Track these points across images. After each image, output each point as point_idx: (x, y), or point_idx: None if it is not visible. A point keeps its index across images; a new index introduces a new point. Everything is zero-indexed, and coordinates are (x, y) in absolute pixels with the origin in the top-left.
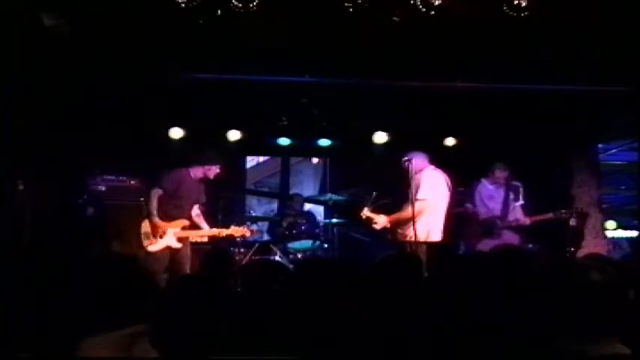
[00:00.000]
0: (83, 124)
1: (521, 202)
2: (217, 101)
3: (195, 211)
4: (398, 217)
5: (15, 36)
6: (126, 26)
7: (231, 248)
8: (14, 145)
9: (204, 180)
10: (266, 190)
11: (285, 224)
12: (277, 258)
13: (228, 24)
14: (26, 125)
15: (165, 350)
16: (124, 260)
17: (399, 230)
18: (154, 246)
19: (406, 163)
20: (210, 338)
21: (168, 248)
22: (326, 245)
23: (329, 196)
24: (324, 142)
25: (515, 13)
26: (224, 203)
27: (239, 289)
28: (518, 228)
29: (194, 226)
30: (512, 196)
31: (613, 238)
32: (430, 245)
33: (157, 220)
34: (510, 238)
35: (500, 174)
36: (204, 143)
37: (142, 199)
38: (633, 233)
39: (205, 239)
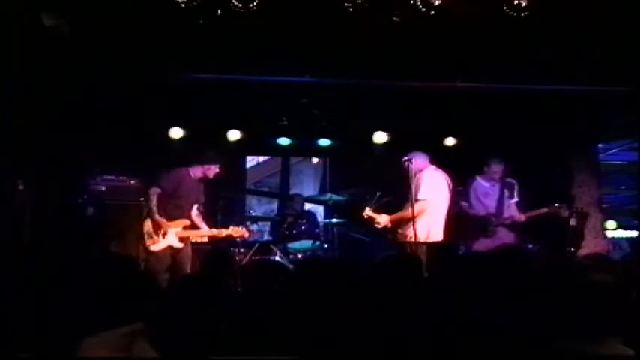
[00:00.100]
0: (83, 124)
1: (516, 199)
2: (217, 101)
3: (194, 211)
4: (399, 217)
5: (15, 36)
6: (126, 26)
7: (231, 248)
8: (14, 145)
9: (204, 180)
10: (266, 190)
11: (285, 224)
12: (277, 258)
13: (228, 24)
14: (26, 125)
15: (165, 350)
16: (123, 260)
17: (400, 230)
18: (156, 245)
19: (406, 163)
20: (210, 338)
21: (170, 248)
22: (326, 245)
23: (329, 196)
24: (324, 142)
25: (515, 13)
26: (224, 203)
27: (239, 289)
28: (513, 225)
29: (194, 227)
30: (507, 193)
31: (613, 238)
32: (430, 245)
33: (158, 218)
34: (506, 235)
35: (496, 168)
36: (204, 143)
37: (142, 199)
38: (633, 233)
39: (205, 239)
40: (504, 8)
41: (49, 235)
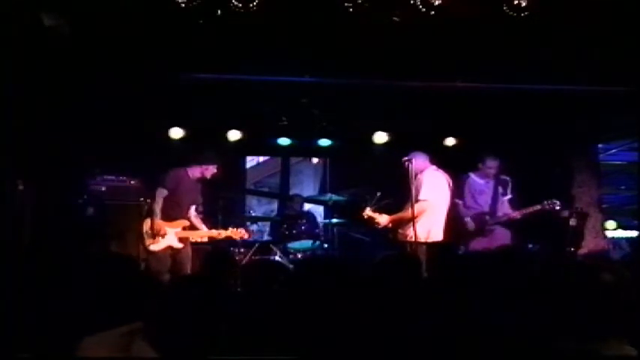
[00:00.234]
0: (83, 124)
1: (509, 196)
2: (217, 101)
3: (192, 212)
4: (399, 217)
5: (15, 36)
6: (126, 26)
7: (231, 248)
8: (14, 145)
9: (202, 180)
10: (266, 190)
11: (285, 224)
12: (277, 258)
13: (228, 24)
14: (26, 125)
15: (164, 350)
16: (123, 260)
17: (400, 230)
18: (156, 245)
19: (406, 163)
20: (210, 338)
21: (170, 248)
22: (326, 245)
23: (329, 196)
24: (324, 142)
25: (515, 13)
26: (224, 203)
27: (239, 289)
28: (509, 224)
29: (193, 227)
30: (501, 190)
31: (613, 238)
32: (430, 245)
33: (159, 219)
34: (502, 234)
35: (492, 163)
36: (204, 143)
37: (142, 199)
38: (633, 233)
39: (205, 239)
40: (504, 8)
41: (49, 235)
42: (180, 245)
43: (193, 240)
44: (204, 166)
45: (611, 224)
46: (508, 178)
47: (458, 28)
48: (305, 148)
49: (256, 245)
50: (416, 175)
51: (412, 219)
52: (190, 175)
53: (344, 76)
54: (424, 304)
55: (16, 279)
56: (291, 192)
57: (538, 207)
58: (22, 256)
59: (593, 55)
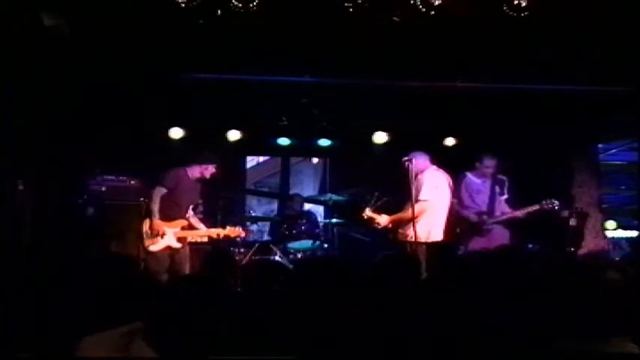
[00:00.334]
0: (83, 124)
1: (506, 196)
2: (217, 101)
3: (190, 211)
4: (399, 217)
5: (15, 36)
6: (126, 26)
7: (231, 248)
8: (14, 145)
9: (201, 180)
10: (266, 190)
11: (285, 224)
12: (277, 258)
13: (228, 24)
14: (26, 125)
15: (164, 350)
16: (123, 260)
17: (400, 230)
18: (155, 246)
19: (406, 163)
20: (210, 338)
21: (169, 248)
22: (326, 245)
23: (329, 196)
24: (324, 142)
25: (515, 13)
26: (224, 203)
27: (239, 289)
28: (508, 224)
29: (191, 227)
30: (498, 189)
31: (613, 238)
32: (430, 245)
33: (157, 219)
34: (501, 234)
35: (489, 162)
36: (204, 143)
37: (142, 199)
38: (633, 233)
39: (205, 239)
40: (504, 8)
41: (49, 235)
42: (178, 245)
43: (193, 240)
44: (203, 166)
45: (611, 224)
46: (505, 178)
47: (458, 28)
48: (305, 148)
49: (256, 245)
50: (416, 175)
51: (412, 219)
52: (190, 175)
53: (344, 76)
54: (424, 304)
55: (16, 279)
56: (291, 192)
57: (536, 207)
58: (22, 256)
59: (593, 55)
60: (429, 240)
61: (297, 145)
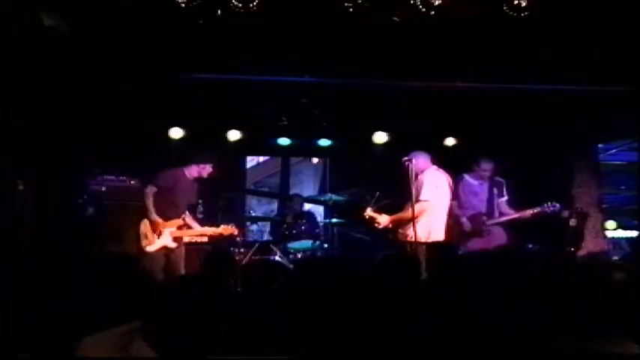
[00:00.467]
0: (83, 124)
1: (505, 197)
2: (217, 101)
3: (185, 212)
4: (400, 217)
5: (15, 36)
6: (126, 26)
7: (231, 248)
8: (14, 145)
9: (199, 179)
10: (266, 190)
11: (285, 224)
12: (277, 258)
13: (228, 24)
14: (26, 125)
15: (164, 350)
16: (123, 260)
17: (400, 230)
18: (152, 246)
19: (406, 163)
20: (210, 338)
21: (165, 248)
22: (326, 245)
23: (329, 196)
24: (324, 142)
25: (515, 13)
26: (224, 203)
27: (239, 289)
28: (508, 225)
29: (186, 226)
30: (496, 191)
31: (613, 238)
32: (431, 245)
33: (156, 218)
34: (500, 235)
35: (486, 166)
36: (204, 143)
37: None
38: (633, 233)
39: (202, 239)
40: (504, 8)
41: (49, 235)
42: (174, 245)
43: (190, 240)
44: (201, 166)
45: (611, 224)
46: (502, 180)
47: (458, 28)
48: (305, 148)
49: (256, 245)
50: (417, 175)
51: (412, 219)
52: (188, 175)
53: (344, 76)
54: (424, 304)
55: (16, 279)
56: (291, 192)
57: (538, 209)
58: (22, 256)
59: (593, 55)
60: (429, 240)
61: (297, 145)
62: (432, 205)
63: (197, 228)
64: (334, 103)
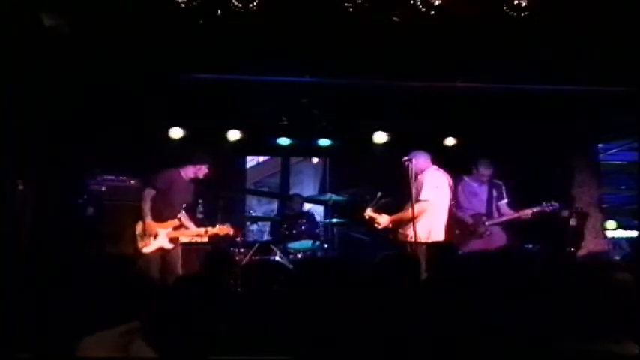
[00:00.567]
0: (83, 124)
1: (505, 200)
2: (217, 101)
3: (182, 212)
4: (400, 218)
5: (15, 36)
6: (126, 26)
7: (231, 248)
8: (14, 145)
9: (195, 180)
10: (266, 190)
11: (285, 224)
12: (277, 258)
13: (228, 24)
14: (26, 125)
15: (164, 350)
16: (123, 260)
17: (401, 230)
18: (148, 247)
19: (407, 163)
20: (210, 338)
21: (161, 249)
22: (326, 245)
23: (329, 196)
24: (324, 142)
25: (515, 13)
26: (224, 203)
27: (239, 289)
28: (508, 225)
29: (182, 227)
30: (495, 194)
31: (613, 238)
32: (431, 245)
33: (150, 221)
34: (502, 234)
35: (485, 171)
36: (204, 143)
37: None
38: (633, 233)
39: (199, 239)
40: (504, 8)
41: (49, 235)
42: (170, 246)
43: (189, 240)
44: (197, 167)
45: (611, 224)
46: (501, 183)
47: (458, 28)
48: (305, 148)
49: (256, 245)
50: (416, 175)
51: (412, 219)
52: (184, 176)
53: (344, 76)
54: (424, 304)
55: (16, 279)
56: (291, 192)
57: (537, 208)
58: (22, 256)
59: (593, 55)
60: (429, 240)
61: (297, 145)
62: (432, 205)
63: (193, 228)
64: (334, 103)
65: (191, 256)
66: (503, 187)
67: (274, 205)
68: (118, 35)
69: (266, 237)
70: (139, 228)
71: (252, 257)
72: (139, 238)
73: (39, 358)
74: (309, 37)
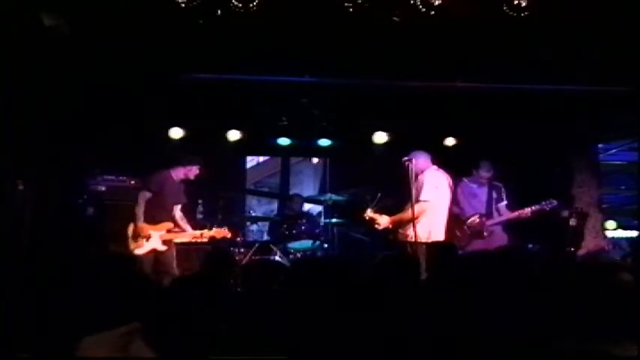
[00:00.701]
0: (83, 124)
1: (504, 202)
2: (217, 101)
3: (178, 213)
4: (400, 218)
5: (15, 36)
6: (126, 26)
7: (231, 248)
8: (14, 145)
9: (185, 181)
10: (266, 190)
11: (285, 224)
12: (277, 258)
13: (228, 24)
14: (26, 125)
15: (164, 350)
16: (123, 260)
17: (401, 230)
18: (141, 249)
19: (406, 163)
20: (210, 338)
21: (154, 251)
22: (326, 245)
23: (329, 196)
24: (324, 142)
25: (515, 13)
26: (224, 203)
27: (239, 289)
28: (508, 226)
29: (178, 228)
30: (495, 195)
31: (613, 238)
32: (431, 245)
33: (142, 224)
34: (502, 234)
35: (485, 174)
36: (204, 143)
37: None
38: (633, 233)
39: (205, 239)
40: (504, 8)
41: (49, 235)
42: (164, 248)
43: (188, 240)
44: (187, 167)
45: (611, 224)
46: (500, 184)
47: (458, 28)
48: (305, 148)
49: (256, 245)
50: (416, 175)
51: (413, 219)
52: (174, 177)
53: (344, 76)
54: (424, 304)
55: (16, 279)
56: (291, 192)
57: (537, 207)
58: (22, 256)
59: (593, 55)
60: (430, 240)
61: (297, 145)
62: (432, 205)
63: (189, 230)
64: (334, 103)
65: (190, 256)
66: (503, 189)
67: (274, 205)
68: (118, 35)
69: (266, 237)
70: (130, 230)
71: (252, 257)
72: (130, 240)
73: (39, 358)
74: (309, 37)
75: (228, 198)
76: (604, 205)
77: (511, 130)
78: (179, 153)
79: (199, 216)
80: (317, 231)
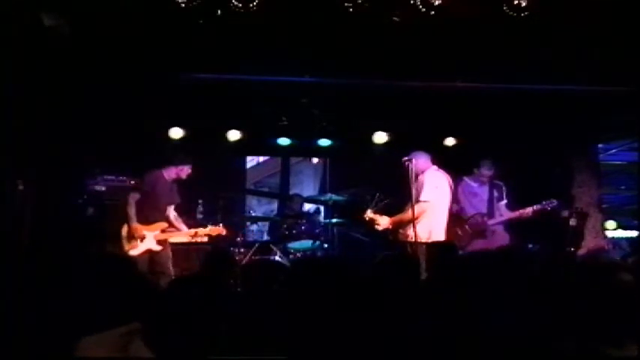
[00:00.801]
0: (83, 124)
1: (505, 201)
2: (217, 101)
3: (173, 212)
4: (400, 219)
5: (15, 36)
6: (126, 26)
7: (232, 248)
8: (14, 145)
9: (177, 180)
10: (266, 190)
11: (285, 224)
12: (277, 258)
13: (228, 24)
14: (26, 125)
15: (164, 350)
16: (124, 260)
17: (401, 231)
18: (135, 250)
19: (406, 163)
20: (210, 338)
21: (149, 251)
22: (326, 245)
23: (329, 196)
24: (324, 142)
25: (515, 13)
26: (224, 203)
27: (239, 289)
28: (509, 226)
29: (173, 228)
30: (496, 194)
31: (613, 238)
32: (431, 245)
33: (135, 224)
34: (502, 234)
35: (486, 172)
36: (204, 143)
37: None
38: (633, 233)
39: (205, 239)
40: (504, 8)
41: (49, 235)
42: (158, 248)
43: (187, 240)
44: (179, 167)
45: (611, 224)
46: (501, 183)
47: (458, 28)
48: (305, 148)
49: (256, 245)
50: (417, 175)
51: (413, 220)
52: (166, 177)
53: (344, 76)
54: (424, 304)
55: (16, 279)
56: (291, 192)
57: (538, 206)
58: (22, 256)
59: (593, 55)
60: (430, 240)
61: (297, 145)
62: (433, 205)
63: (184, 229)
64: (334, 103)
65: (190, 256)
66: (504, 188)
67: (274, 205)
68: (118, 35)
69: (266, 237)
70: (124, 231)
71: (252, 257)
72: (125, 241)
73: (39, 358)
74: (309, 37)
75: (228, 198)
76: (604, 205)
77: (511, 130)
78: (171, 153)
79: (199, 216)
80: (317, 231)
